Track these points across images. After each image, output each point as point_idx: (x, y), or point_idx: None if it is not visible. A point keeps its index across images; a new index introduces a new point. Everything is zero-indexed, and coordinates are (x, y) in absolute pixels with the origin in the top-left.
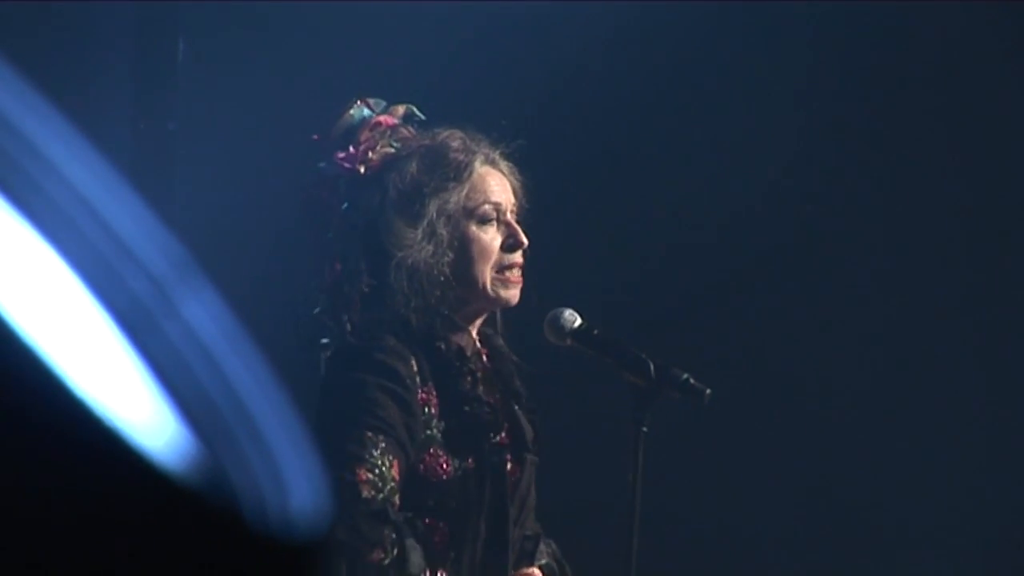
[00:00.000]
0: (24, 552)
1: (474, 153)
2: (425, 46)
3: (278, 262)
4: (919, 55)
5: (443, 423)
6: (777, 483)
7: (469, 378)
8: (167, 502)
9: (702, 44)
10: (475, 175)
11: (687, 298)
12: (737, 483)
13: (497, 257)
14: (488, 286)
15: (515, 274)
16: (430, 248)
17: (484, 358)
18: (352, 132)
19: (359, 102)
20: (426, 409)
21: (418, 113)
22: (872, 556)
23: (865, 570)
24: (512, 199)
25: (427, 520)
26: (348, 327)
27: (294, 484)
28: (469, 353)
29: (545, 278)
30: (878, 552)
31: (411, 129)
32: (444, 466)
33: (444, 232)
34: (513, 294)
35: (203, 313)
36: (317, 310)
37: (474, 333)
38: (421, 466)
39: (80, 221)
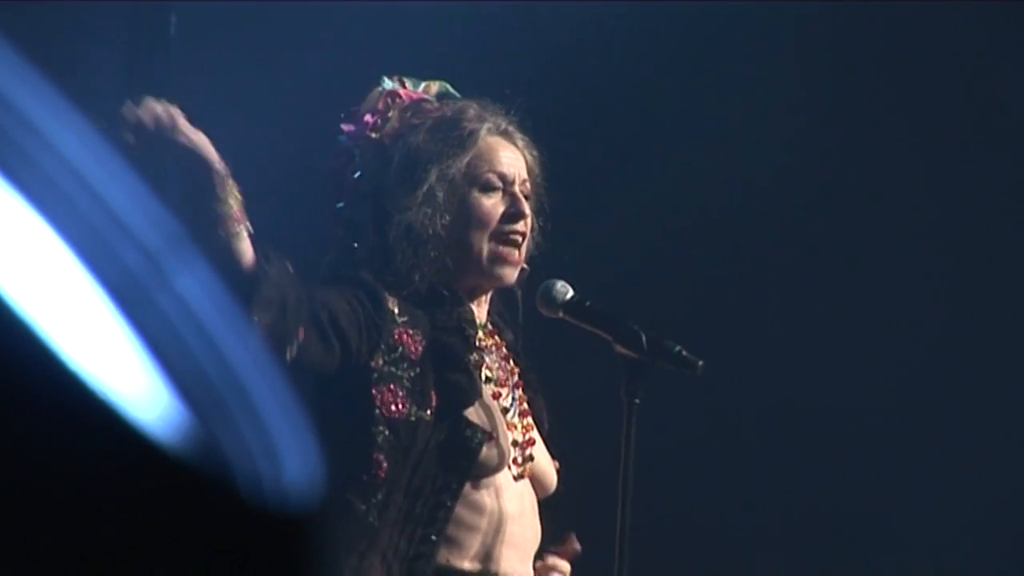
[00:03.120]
0: (17, 525)
1: (483, 121)
2: (420, 22)
3: (271, 235)
4: (918, 51)
5: (416, 370)
6: (770, 459)
7: (469, 349)
8: (161, 475)
9: (701, 33)
10: (481, 143)
11: (680, 272)
12: (731, 461)
13: (496, 226)
14: (485, 257)
15: (513, 253)
16: (428, 211)
17: (497, 337)
18: (372, 104)
19: (393, 78)
20: (399, 348)
21: (452, 91)
22: (866, 536)
23: (859, 551)
24: (523, 174)
25: (373, 454)
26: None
27: (288, 456)
28: (481, 323)
29: (539, 253)
30: (872, 532)
31: (435, 104)
32: (399, 407)
33: (442, 195)
34: (509, 272)
35: (196, 286)
36: (322, 272)
37: (483, 311)
38: (377, 397)
39: (73, 194)
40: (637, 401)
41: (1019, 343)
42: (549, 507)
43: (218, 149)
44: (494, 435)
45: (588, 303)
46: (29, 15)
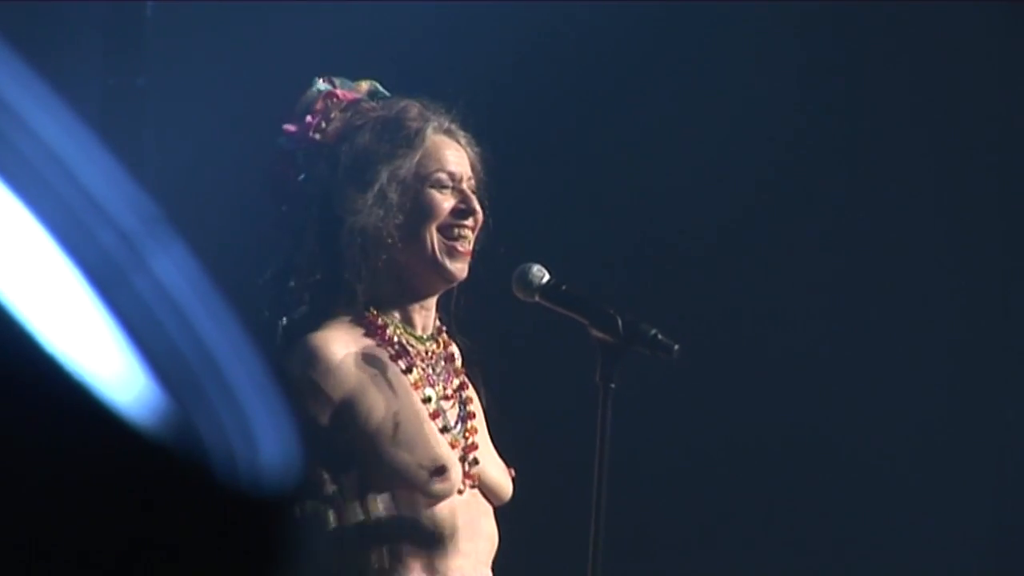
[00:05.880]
0: None
1: (428, 120)
2: (396, 20)
3: (245, 217)
4: (916, 48)
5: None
6: (746, 442)
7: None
8: (137, 455)
9: (688, 29)
10: (428, 142)
11: (656, 256)
12: (707, 444)
13: (445, 219)
14: (436, 250)
15: (463, 245)
16: (380, 212)
17: (444, 338)
18: (309, 106)
19: (320, 79)
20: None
21: (382, 90)
22: (852, 529)
23: (845, 544)
24: (469, 171)
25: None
26: (298, 295)
27: (263, 437)
28: (428, 333)
29: (516, 234)
30: (852, 514)
31: (372, 103)
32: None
33: (395, 196)
34: (460, 268)
35: (172, 267)
36: (264, 281)
37: (429, 317)
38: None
39: (50, 176)
40: (613, 386)
41: (1018, 346)
42: (524, 497)
43: (193, 128)
44: (446, 465)
45: (564, 287)
46: (6, 1)
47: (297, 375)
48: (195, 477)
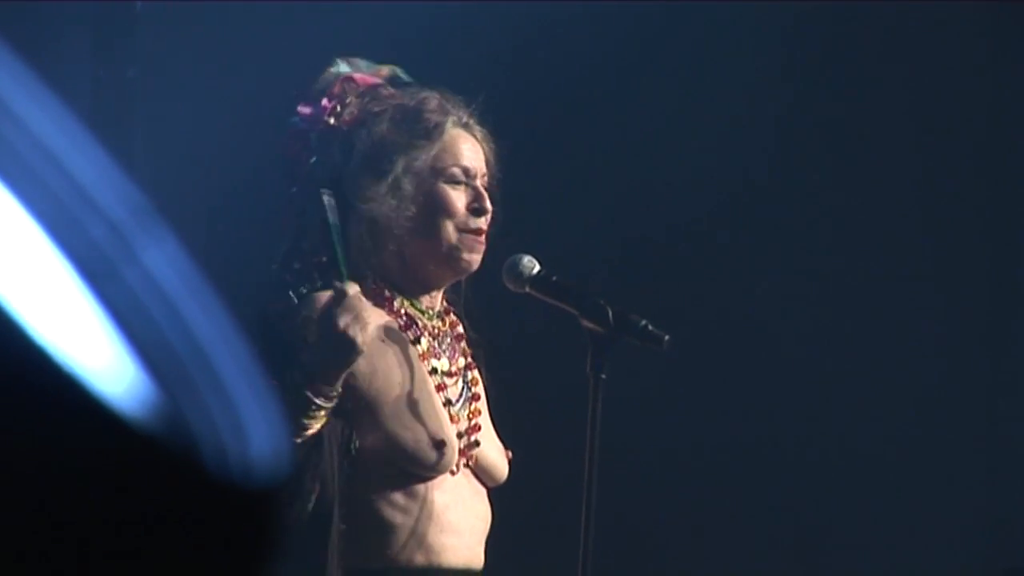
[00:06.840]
0: None
1: (448, 114)
2: (389, 16)
3: (237, 208)
4: (899, 50)
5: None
6: (736, 433)
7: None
8: (126, 449)
9: (686, 28)
10: (447, 136)
11: (648, 246)
12: (697, 435)
13: (462, 217)
14: (451, 247)
15: (479, 242)
16: (393, 202)
17: (451, 318)
18: (326, 87)
19: (341, 60)
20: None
21: (403, 75)
22: (837, 510)
23: (832, 525)
24: (483, 167)
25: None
26: (305, 276)
27: (253, 430)
28: (435, 310)
29: (508, 227)
30: (844, 508)
31: (391, 89)
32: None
33: (409, 187)
34: (475, 258)
35: (163, 260)
36: (275, 265)
37: (437, 297)
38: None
39: (39, 168)
40: (603, 376)
41: (1007, 342)
42: (516, 486)
43: (184, 119)
44: (445, 440)
45: (554, 278)
46: None
47: (301, 321)
48: (185, 469)
